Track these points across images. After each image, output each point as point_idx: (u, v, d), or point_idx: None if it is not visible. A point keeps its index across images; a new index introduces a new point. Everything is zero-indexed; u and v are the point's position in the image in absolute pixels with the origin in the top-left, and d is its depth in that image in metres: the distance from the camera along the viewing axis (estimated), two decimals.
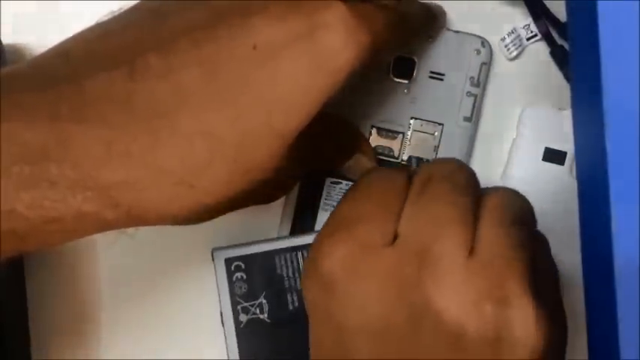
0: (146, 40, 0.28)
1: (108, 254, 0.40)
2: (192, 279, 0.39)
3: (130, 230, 0.29)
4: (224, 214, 0.30)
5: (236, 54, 0.27)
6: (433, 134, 0.37)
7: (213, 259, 0.35)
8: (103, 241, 0.39)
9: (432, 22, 0.36)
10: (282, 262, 0.35)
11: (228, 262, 0.35)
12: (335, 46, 0.28)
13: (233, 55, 0.27)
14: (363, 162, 0.36)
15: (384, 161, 0.37)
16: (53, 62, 0.28)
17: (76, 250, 0.40)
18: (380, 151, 0.37)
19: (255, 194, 0.29)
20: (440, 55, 0.37)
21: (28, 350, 0.39)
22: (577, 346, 0.33)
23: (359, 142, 0.37)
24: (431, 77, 0.37)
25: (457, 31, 0.37)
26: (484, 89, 0.37)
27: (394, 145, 0.37)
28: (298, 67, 0.27)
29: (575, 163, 0.35)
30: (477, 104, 0.37)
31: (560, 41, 0.37)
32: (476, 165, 0.38)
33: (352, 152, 0.36)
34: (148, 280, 0.40)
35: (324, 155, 0.36)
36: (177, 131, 0.27)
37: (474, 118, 0.37)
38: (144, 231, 0.37)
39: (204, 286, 0.37)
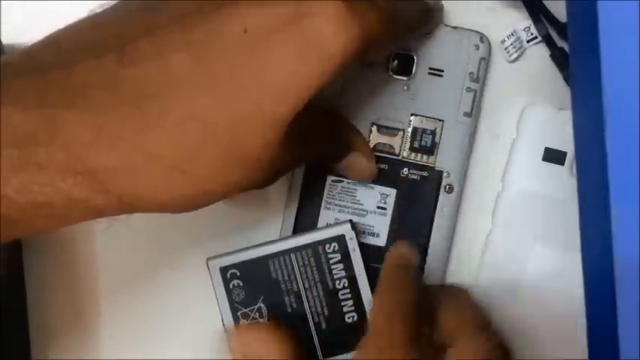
0: (136, 27, 0.28)
1: (107, 247, 0.40)
2: (192, 269, 0.38)
3: (123, 217, 0.29)
4: (218, 200, 0.30)
5: (226, 38, 0.27)
6: (434, 130, 0.37)
7: (208, 269, 0.35)
8: (102, 234, 0.39)
9: (429, 17, 0.36)
10: (277, 266, 0.35)
11: (224, 270, 0.35)
12: (324, 33, 0.28)
13: (223, 40, 0.27)
14: (359, 161, 0.36)
15: (385, 158, 0.37)
16: (43, 51, 0.28)
17: (75, 243, 0.40)
18: (380, 148, 0.37)
19: (249, 180, 0.29)
20: (438, 51, 0.37)
21: (27, 342, 0.39)
22: (577, 346, 0.33)
23: (356, 140, 0.37)
24: (430, 73, 0.37)
25: (455, 27, 0.37)
26: (483, 84, 0.37)
27: (395, 142, 0.37)
28: (288, 52, 0.27)
29: (575, 163, 0.35)
30: (476, 99, 0.37)
31: (560, 43, 0.37)
32: (476, 165, 0.38)
33: (348, 150, 0.36)
34: (147, 272, 0.40)
35: (319, 151, 0.36)
36: (168, 116, 0.27)
37: (474, 113, 0.37)
38: (143, 221, 0.37)
39: (203, 278, 0.37)
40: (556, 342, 0.37)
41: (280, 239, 0.36)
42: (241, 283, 0.35)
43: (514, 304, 0.37)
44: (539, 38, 0.37)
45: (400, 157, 0.37)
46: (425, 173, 0.37)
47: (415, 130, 0.37)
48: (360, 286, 0.35)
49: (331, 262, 0.35)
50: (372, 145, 0.37)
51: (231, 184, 0.29)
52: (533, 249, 0.37)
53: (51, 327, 0.40)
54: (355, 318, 0.35)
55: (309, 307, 0.35)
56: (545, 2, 0.37)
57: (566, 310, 0.36)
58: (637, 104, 0.25)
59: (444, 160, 0.37)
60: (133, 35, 0.27)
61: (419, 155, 0.37)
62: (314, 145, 0.35)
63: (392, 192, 0.37)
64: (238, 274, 0.35)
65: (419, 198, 0.37)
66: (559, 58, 0.37)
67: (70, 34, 0.29)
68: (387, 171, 0.37)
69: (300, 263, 0.35)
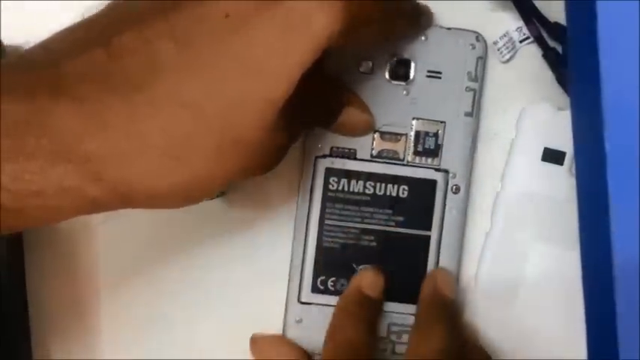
0: (121, 22, 0.28)
1: (107, 244, 0.39)
2: (195, 266, 0.39)
3: (122, 212, 0.29)
4: (217, 191, 0.29)
5: (209, 23, 0.27)
6: (436, 132, 0.37)
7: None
8: (102, 231, 0.39)
9: (418, 14, 0.36)
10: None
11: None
12: (308, 11, 0.27)
13: (206, 25, 0.27)
14: (355, 115, 0.36)
15: (389, 164, 0.37)
16: (34, 52, 0.29)
17: (75, 241, 0.40)
18: (385, 154, 0.37)
19: (245, 165, 0.29)
20: (435, 53, 0.37)
21: (28, 337, 0.39)
22: (577, 346, 0.33)
23: (346, 95, 0.36)
24: (428, 76, 0.37)
25: (449, 28, 0.37)
26: (482, 83, 0.37)
27: (398, 147, 0.37)
28: (272, 31, 0.27)
29: (574, 163, 0.35)
30: (476, 99, 0.37)
31: (552, 44, 0.37)
32: (475, 165, 0.38)
33: (341, 108, 0.36)
34: (148, 269, 0.40)
35: (313, 119, 0.36)
36: (157, 104, 0.27)
37: (474, 112, 0.37)
38: (145, 224, 0.37)
39: (205, 274, 0.38)
40: (555, 342, 0.37)
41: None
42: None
43: (514, 304, 0.37)
44: (532, 38, 0.37)
45: (405, 162, 0.37)
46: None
47: (418, 133, 0.37)
48: None
49: None
50: (375, 152, 0.37)
51: (227, 171, 0.29)
52: (533, 249, 0.37)
53: (52, 322, 0.40)
54: None
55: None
56: (535, 3, 0.37)
57: (566, 309, 0.36)
58: (637, 104, 0.25)
59: (449, 161, 0.37)
60: (119, 28, 0.28)
61: (423, 158, 0.37)
62: (307, 116, 0.34)
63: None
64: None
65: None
66: (551, 59, 0.37)
67: (59, 36, 0.29)
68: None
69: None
